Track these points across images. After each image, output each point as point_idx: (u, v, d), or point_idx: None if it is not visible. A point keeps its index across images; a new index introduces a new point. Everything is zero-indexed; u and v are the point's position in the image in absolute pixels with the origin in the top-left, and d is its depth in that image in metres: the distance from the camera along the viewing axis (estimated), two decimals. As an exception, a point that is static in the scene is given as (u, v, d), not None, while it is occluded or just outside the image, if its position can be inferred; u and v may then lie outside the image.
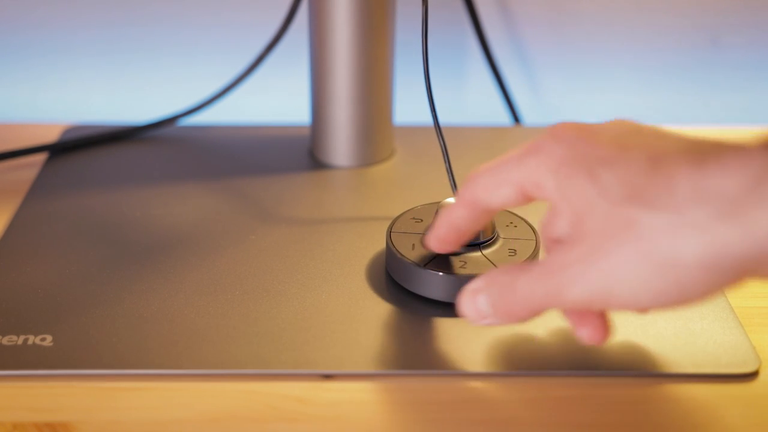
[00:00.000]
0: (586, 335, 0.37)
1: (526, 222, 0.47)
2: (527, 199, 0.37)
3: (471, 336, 0.42)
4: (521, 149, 0.36)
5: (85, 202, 0.54)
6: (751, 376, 0.40)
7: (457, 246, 0.43)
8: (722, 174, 0.30)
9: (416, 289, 0.44)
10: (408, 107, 0.64)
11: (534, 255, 0.45)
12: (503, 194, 0.37)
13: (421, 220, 0.47)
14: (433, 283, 0.43)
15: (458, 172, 0.49)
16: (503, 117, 0.69)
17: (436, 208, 0.45)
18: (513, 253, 0.45)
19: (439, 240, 0.42)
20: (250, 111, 0.68)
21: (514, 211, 0.48)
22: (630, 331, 0.42)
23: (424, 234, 0.45)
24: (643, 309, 0.36)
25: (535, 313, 0.36)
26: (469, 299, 0.38)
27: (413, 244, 0.45)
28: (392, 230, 0.46)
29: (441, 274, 0.43)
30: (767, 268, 0.30)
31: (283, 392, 0.39)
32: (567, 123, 0.36)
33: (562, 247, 0.35)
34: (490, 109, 0.70)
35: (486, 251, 0.45)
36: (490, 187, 0.37)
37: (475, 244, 0.45)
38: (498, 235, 0.46)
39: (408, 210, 0.48)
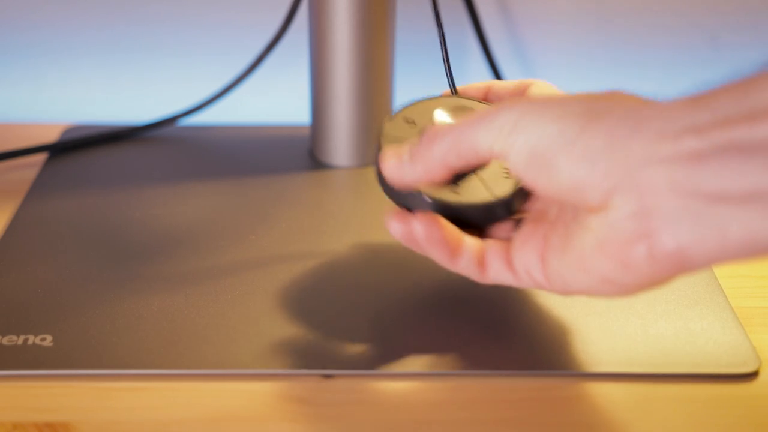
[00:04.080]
0: None
1: None
2: None
3: (470, 336, 0.42)
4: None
5: (85, 202, 0.54)
6: (751, 376, 0.40)
7: None
8: None
9: (404, 206, 0.41)
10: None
11: None
12: None
13: (414, 123, 0.43)
14: (421, 207, 0.40)
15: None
16: (503, 117, 0.69)
17: (434, 107, 0.42)
18: (508, 175, 0.41)
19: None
20: (250, 111, 0.68)
21: None
22: (630, 331, 0.42)
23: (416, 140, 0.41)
24: None
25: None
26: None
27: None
28: (384, 135, 0.42)
29: (431, 200, 0.39)
30: None
31: (283, 392, 0.39)
32: None
33: None
34: (490, 109, 0.70)
35: (481, 172, 0.41)
36: None
37: None
38: None
39: (402, 108, 0.43)
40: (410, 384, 0.40)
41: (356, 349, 0.41)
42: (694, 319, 0.43)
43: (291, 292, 0.45)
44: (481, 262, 0.39)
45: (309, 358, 0.41)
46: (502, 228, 0.41)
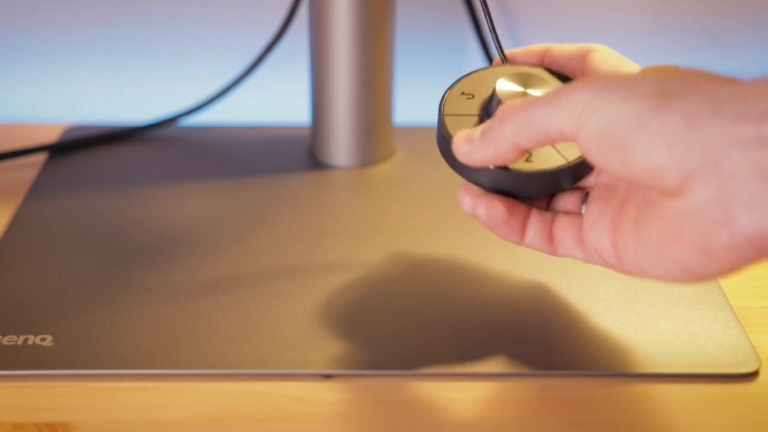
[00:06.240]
0: None
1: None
2: None
3: (469, 336, 0.42)
4: None
5: (85, 202, 0.54)
6: (751, 376, 0.40)
7: None
8: None
9: (471, 178, 0.41)
10: (408, 107, 0.64)
11: None
12: None
13: (473, 96, 0.42)
14: (489, 177, 0.40)
15: (455, 175, 0.49)
16: (503, 117, 0.69)
17: (490, 76, 0.42)
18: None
19: None
20: (250, 111, 0.68)
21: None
22: (630, 331, 0.42)
23: (478, 115, 0.41)
24: None
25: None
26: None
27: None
28: (444, 113, 0.41)
29: (501, 170, 0.39)
30: None
31: (283, 392, 0.39)
32: None
33: None
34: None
35: None
36: None
37: None
38: None
39: (455, 83, 0.42)
40: (410, 384, 0.40)
41: (356, 349, 0.41)
42: (694, 319, 0.43)
43: (291, 292, 0.45)
44: (549, 238, 0.39)
45: (309, 358, 0.41)
46: (568, 200, 0.41)
